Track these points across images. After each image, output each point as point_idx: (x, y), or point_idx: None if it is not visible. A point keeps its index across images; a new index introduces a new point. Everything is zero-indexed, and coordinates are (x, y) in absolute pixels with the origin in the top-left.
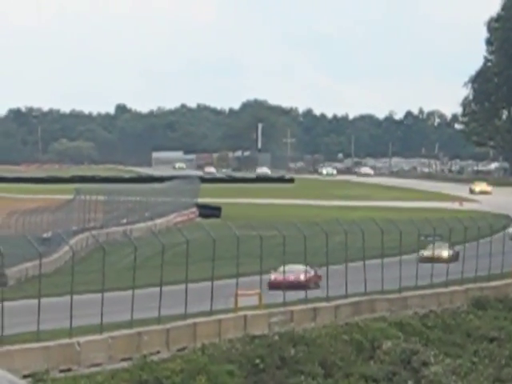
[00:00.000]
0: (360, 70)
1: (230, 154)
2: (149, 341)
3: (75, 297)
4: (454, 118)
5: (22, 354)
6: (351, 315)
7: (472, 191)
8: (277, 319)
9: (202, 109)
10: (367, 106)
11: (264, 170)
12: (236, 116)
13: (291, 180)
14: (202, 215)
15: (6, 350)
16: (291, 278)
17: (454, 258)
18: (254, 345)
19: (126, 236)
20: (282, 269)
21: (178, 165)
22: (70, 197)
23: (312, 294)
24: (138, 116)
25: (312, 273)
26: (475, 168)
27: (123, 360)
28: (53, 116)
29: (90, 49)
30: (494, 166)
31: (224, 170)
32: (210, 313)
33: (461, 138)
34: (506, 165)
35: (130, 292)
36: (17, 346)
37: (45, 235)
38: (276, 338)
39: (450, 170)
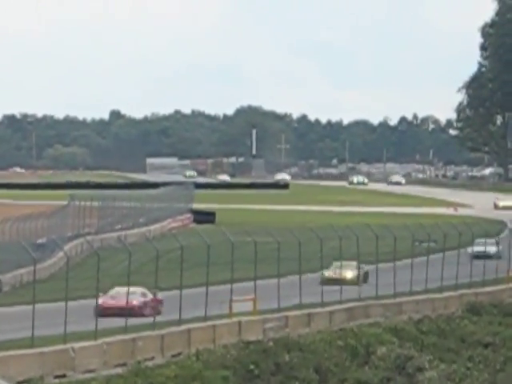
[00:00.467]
0: (354, 76)
1: (225, 160)
2: (143, 347)
3: (70, 303)
4: (449, 123)
5: (17, 359)
6: (346, 321)
7: (496, 207)
8: (271, 325)
9: (197, 115)
10: (361, 112)
11: (283, 177)
12: (230, 122)
13: (286, 186)
14: (196, 221)
15: (0, 356)
16: (121, 302)
17: (362, 279)
18: (249, 350)
19: (120, 242)
20: (113, 291)
21: (188, 173)
22: (65, 203)
23: (306, 299)
24: (132, 122)
25: (149, 297)
26: (470, 173)
27: (118, 366)
28: (47, 122)
29: (85, 55)
30: (488, 171)
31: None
32: (205, 318)
33: (455, 144)
34: (501, 170)
35: None
36: (11, 352)
37: (39, 241)
38: (270, 343)
39: (445, 176)
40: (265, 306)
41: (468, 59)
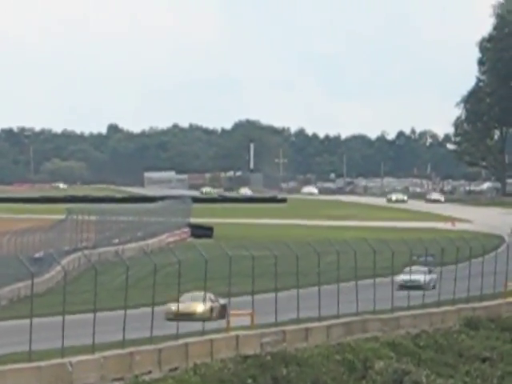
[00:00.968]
0: (352, 90)
1: (222, 174)
2: (141, 361)
3: (67, 317)
4: (447, 137)
5: (14, 374)
6: (343, 335)
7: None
8: (269, 339)
9: (194, 129)
10: (359, 126)
11: (311, 190)
12: (228, 136)
13: (284, 200)
14: (194, 235)
15: None
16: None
17: (217, 313)
18: (246, 365)
19: (118, 256)
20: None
21: (204, 189)
22: (62, 217)
23: (304, 313)
24: (130, 136)
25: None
26: (467, 188)
27: (115, 380)
28: (45, 136)
29: (83, 69)
30: (486, 185)
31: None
32: (202, 332)
33: (453, 158)
34: (498, 185)
35: (122, 312)
36: (9, 366)
37: (37, 255)
38: (268, 357)
39: (442, 190)
40: (262, 321)
41: (466, 74)
